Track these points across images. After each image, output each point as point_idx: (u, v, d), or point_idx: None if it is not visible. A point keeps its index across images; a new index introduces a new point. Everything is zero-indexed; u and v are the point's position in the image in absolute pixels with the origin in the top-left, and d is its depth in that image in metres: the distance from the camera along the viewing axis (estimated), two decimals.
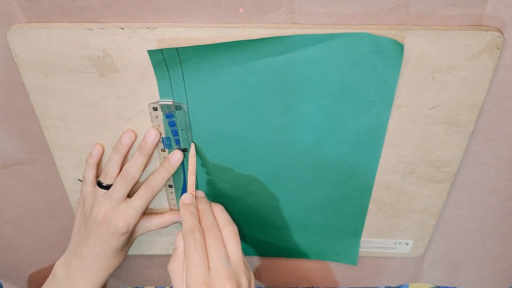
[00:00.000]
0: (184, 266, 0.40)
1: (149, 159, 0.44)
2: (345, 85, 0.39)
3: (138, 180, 0.44)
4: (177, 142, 0.44)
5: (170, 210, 0.50)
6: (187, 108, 0.41)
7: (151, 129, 0.42)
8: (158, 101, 0.40)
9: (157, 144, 0.43)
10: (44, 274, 0.58)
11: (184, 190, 0.48)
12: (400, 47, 0.36)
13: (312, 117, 0.41)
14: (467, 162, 0.46)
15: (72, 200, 0.49)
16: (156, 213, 0.49)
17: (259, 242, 0.53)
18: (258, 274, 0.59)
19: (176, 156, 0.44)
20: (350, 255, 0.54)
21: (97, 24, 0.36)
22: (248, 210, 0.49)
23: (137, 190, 0.45)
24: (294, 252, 0.55)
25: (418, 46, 0.36)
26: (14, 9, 0.36)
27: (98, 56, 0.38)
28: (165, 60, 0.37)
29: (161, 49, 0.37)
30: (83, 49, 0.37)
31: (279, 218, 0.50)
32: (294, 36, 0.36)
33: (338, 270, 0.58)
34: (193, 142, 0.44)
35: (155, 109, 0.41)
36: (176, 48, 0.37)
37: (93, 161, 0.44)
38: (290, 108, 0.40)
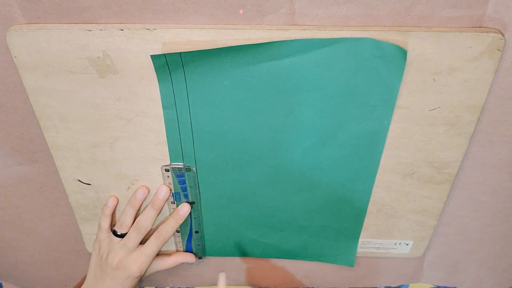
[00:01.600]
0: None
1: (160, 212, 0.48)
2: (347, 89, 0.38)
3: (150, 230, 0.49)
4: (186, 196, 0.48)
5: (177, 251, 0.55)
6: (196, 170, 0.46)
7: (162, 186, 0.47)
8: (170, 164, 0.45)
9: (167, 199, 0.48)
10: (44, 274, 0.59)
11: (190, 235, 0.52)
12: (403, 52, 0.36)
13: (313, 121, 0.41)
14: (468, 163, 0.46)
15: (72, 200, 0.49)
16: (164, 255, 0.53)
17: (258, 243, 0.53)
18: (257, 275, 0.59)
19: (185, 208, 0.49)
20: (347, 257, 0.54)
21: (96, 25, 0.36)
22: (247, 211, 0.49)
23: (149, 237, 0.49)
24: (292, 254, 0.55)
25: (418, 47, 0.36)
26: (14, 10, 0.36)
27: (98, 57, 0.37)
28: (168, 64, 0.37)
29: (164, 54, 0.36)
30: (83, 50, 0.37)
31: (278, 220, 0.50)
32: (297, 40, 0.36)
33: (338, 270, 0.58)
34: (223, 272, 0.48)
35: (167, 170, 0.46)
36: (180, 53, 0.36)
37: (109, 211, 0.49)
38: (292, 111, 0.40)
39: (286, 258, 0.56)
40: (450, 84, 0.38)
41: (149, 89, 0.40)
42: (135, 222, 0.48)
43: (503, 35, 0.36)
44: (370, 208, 0.49)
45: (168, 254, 0.53)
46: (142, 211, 0.48)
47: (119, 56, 0.37)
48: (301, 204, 0.48)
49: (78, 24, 0.37)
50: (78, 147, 0.44)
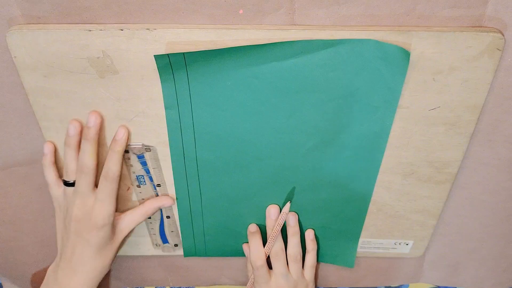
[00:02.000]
0: None
1: (96, 145, 0.42)
2: (350, 90, 0.38)
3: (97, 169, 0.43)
4: (151, 179, 0.46)
5: (150, 236, 0.52)
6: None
7: (91, 114, 0.41)
8: (128, 144, 0.43)
9: (99, 128, 0.42)
10: (44, 274, 0.58)
11: (162, 221, 0.50)
12: (406, 54, 0.36)
13: (316, 122, 0.41)
14: (468, 162, 0.46)
15: None
16: (137, 206, 0.48)
17: None
18: None
19: (120, 133, 0.43)
20: (347, 258, 0.54)
21: (96, 25, 0.36)
22: (248, 211, 0.49)
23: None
24: None
25: (418, 47, 0.36)
26: (14, 10, 0.36)
27: (98, 57, 0.37)
28: (171, 64, 0.37)
29: (167, 54, 0.36)
30: (83, 50, 0.37)
31: None
32: (300, 41, 0.36)
33: (338, 270, 0.58)
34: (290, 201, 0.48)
35: (126, 151, 0.44)
36: (183, 53, 0.36)
37: (48, 160, 0.44)
38: (294, 112, 0.40)
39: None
40: (450, 83, 0.38)
41: (149, 89, 0.39)
42: (77, 164, 0.43)
43: (503, 35, 0.36)
44: (371, 208, 0.49)
45: (141, 203, 0.48)
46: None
47: (119, 56, 0.37)
48: (302, 204, 0.48)
49: (78, 24, 0.37)
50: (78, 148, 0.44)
